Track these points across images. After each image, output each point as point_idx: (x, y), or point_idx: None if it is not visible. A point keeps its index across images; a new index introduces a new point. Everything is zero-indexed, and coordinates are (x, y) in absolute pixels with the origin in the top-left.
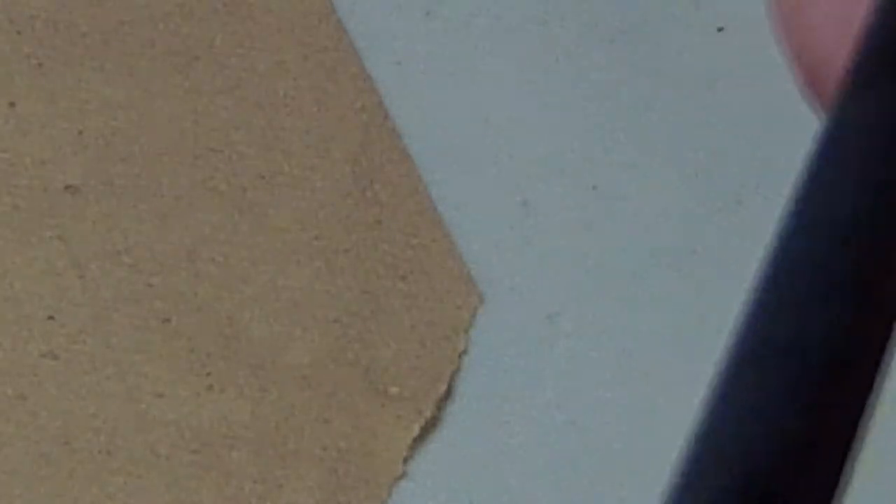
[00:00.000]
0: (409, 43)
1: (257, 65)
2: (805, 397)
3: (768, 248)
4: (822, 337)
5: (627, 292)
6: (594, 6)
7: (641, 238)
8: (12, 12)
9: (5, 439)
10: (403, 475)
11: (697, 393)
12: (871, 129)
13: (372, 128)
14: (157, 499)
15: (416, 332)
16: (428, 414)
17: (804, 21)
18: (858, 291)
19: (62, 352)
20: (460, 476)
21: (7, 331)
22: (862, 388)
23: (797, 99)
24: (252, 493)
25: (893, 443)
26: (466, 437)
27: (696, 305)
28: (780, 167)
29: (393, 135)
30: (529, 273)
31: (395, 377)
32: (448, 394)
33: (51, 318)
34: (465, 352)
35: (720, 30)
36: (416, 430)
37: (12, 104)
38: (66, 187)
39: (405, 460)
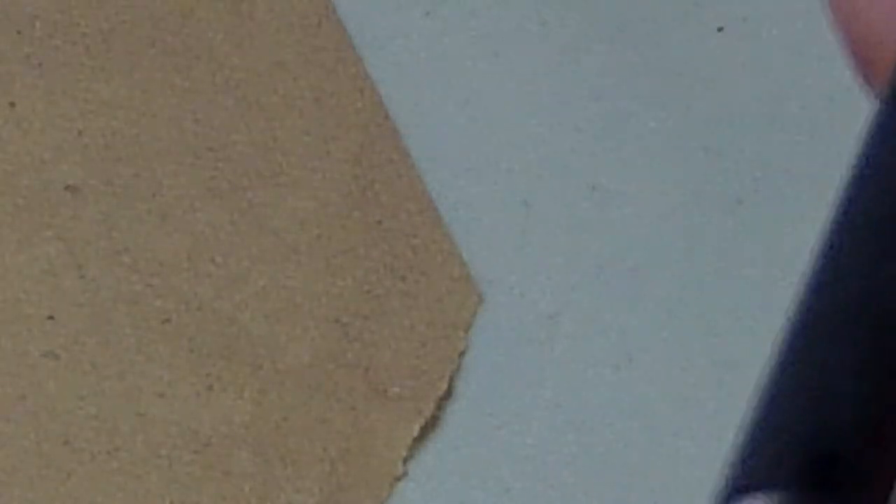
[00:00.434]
0: (409, 43)
1: (257, 65)
2: (876, 359)
3: (832, 212)
4: (893, 296)
5: (627, 292)
6: (594, 6)
7: (641, 238)
8: (12, 12)
9: (5, 439)
10: (403, 475)
11: (697, 393)
12: None
13: (372, 128)
14: (157, 499)
15: (416, 332)
16: (428, 414)
17: (857, 4)
18: None
19: (62, 352)
20: (460, 476)
21: (7, 331)
22: None
23: (797, 99)
24: (252, 493)
25: None
26: (466, 437)
27: (696, 305)
28: (780, 167)
29: (393, 135)
30: (529, 273)
31: (395, 377)
32: (448, 394)
33: (51, 318)
34: (465, 352)
35: (720, 30)
36: (416, 430)
37: (12, 104)
38: (66, 187)
39: (405, 460)
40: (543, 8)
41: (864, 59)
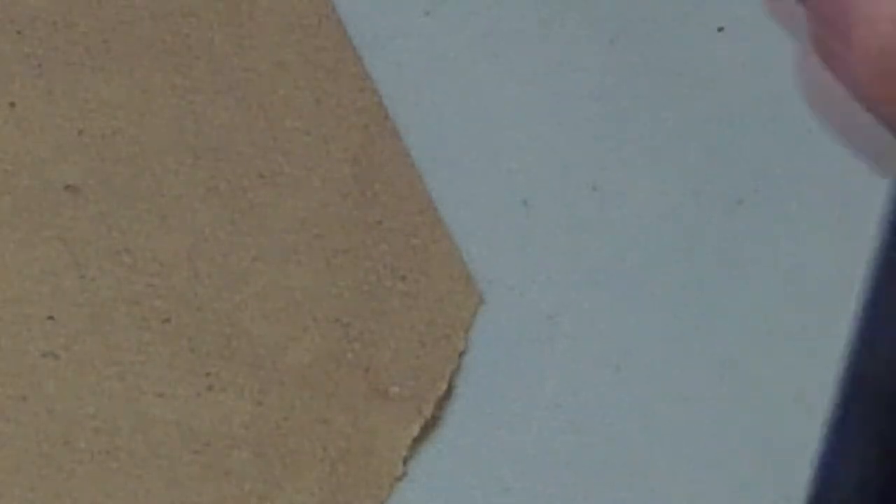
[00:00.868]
0: (409, 43)
1: (257, 65)
2: None
3: None
4: None
5: (627, 292)
6: (594, 6)
7: (641, 238)
8: (12, 12)
9: (5, 439)
10: (403, 475)
11: (697, 393)
12: None
13: (372, 128)
14: (157, 499)
15: (416, 332)
16: (428, 414)
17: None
18: None
19: (62, 352)
20: (460, 476)
21: (7, 331)
22: None
23: (797, 99)
24: (252, 493)
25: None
26: (466, 437)
27: (696, 305)
28: (780, 167)
29: (393, 135)
30: (529, 273)
31: (395, 377)
32: (448, 394)
33: (51, 318)
34: (465, 352)
35: (720, 30)
36: (416, 430)
37: (12, 104)
38: (66, 187)
39: (405, 460)
40: (543, 8)
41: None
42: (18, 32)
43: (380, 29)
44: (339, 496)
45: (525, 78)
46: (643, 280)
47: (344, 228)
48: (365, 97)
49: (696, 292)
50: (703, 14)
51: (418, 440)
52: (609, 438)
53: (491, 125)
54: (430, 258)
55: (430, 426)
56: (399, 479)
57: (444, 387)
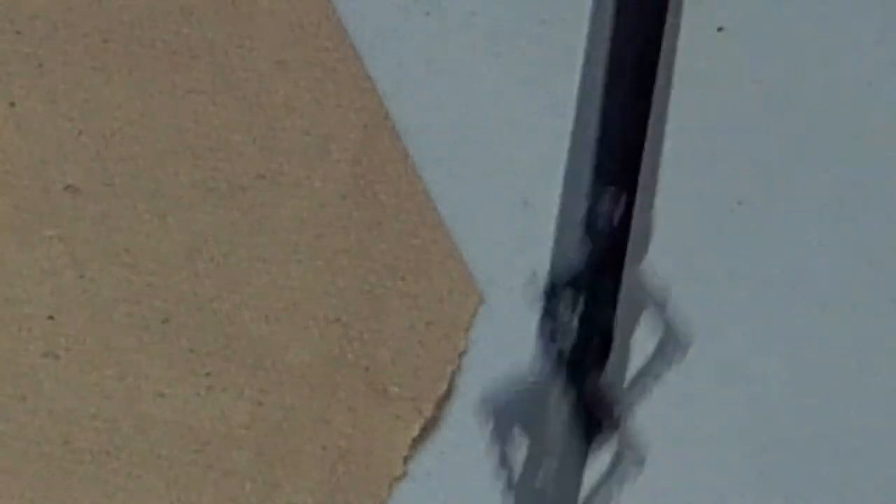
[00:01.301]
0: (409, 43)
1: (257, 65)
2: None
3: None
4: None
5: (627, 292)
6: (594, 6)
7: (641, 238)
8: (12, 12)
9: (5, 439)
10: (403, 475)
11: (697, 392)
12: None
13: (372, 128)
14: (157, 499)
15: (416, 332)
16: (428, 414)
17: None
18: None
19: (62, 352)
20: (460, 476)
21: (7, 331)
22: None
23: (797, 99)
24: (252, 493)
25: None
26: (466, 437)
27: (696, 305)
28: (780, 167)
29: (393, 135)
30: (529, 273)
31: (395, 377)
32: (448, 394)
33: (51, 318)
34: (465, 352)
35: (720, 30)
36: (416, 430)
37: (12, 104)
38: (66, 187)
39: (405, 460)
40: (543, 8)
41: None
42: (18, 32)
43: (380, 29)
44: (339, 496)
45: (525, 78)
46: (644, 279)
47: (344, 228)
48: (365, 97)
49: (697, 292)
50: (703, 14)
51: (418, 440)
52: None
53: (491, 125)
54: (430, 258)
55: (430, 426)
56: (399, 479)
57: (444, 387)
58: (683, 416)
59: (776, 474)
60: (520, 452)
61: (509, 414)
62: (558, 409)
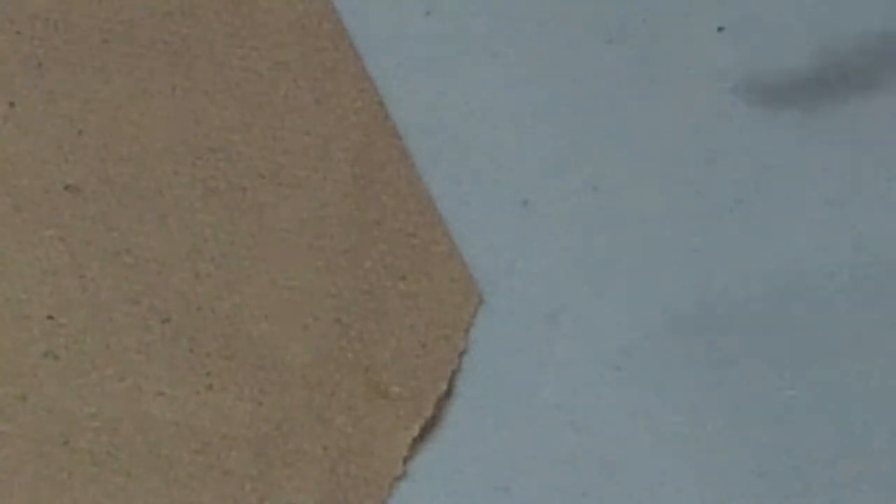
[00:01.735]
0: (409, 43)
1: (257, 65)
2: None
3: None
4: None
5: (627, 292)
6: (594, 6)
7: (641, 238)
8: (12, 12)
9: (5, 439)
10: (403, 475)
11: (697, 392)
12: None
13: (372, 128)
14: (157, 499)
15: (416, 332)
16: (428, 414)
17: None
18: None
19: (62, 352)
20: (460, 476)
21: (7, 331)
22: None
23: (797, 99)
24: (252, 493)
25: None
26: (466, 437)
27: (696, 305)
28: (780, 167)
29: (393, 135)
30: (529, 273)
31: (395, 377)
32: (448, 394)
33: (51, 318)
34: (465, 352)
35: (720, 30)
36: (416, 430)
37: (12, 104)
38: (66, 187)
39: (405, 460)
40: (543, 8)
41: None
42: (18, 32)
43: (380, 29)
44: (339, 496)
45: (525, 78)
46: (643, 280)
47: (344, 228)
48: (365, 97)
49: (696, 292)
50: (703, 14)
51: (418, 440)
52: (609, 438)
53: (491, 125)
54: (430, 258)
55: (430, 426)
56: (399, 479)
57: (444, 387)
58: (683, 415)
59: (776, 474)
60: None
61: None
62: None
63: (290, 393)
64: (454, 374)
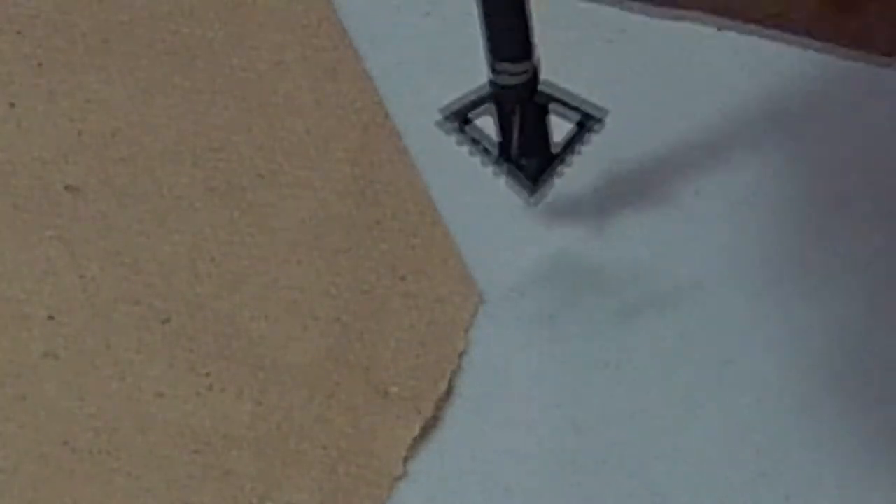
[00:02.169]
0: (409, 43)
1: (257, 65)
2: None
3: None
4: None
5: (627, 292)
6: (593, 7)
7: (642, 238)
8: (12, 12)
9: (5, 439)
10: (403, 475)
11: (696, 392)
12: None
13: (372, 128)
14: (157, 499)
15: (416, 332)
16: (428, 414)
17: None
18: None
19: (62, 352)
20: (460, 476)
21: (7, 331)
22: None
23: (798, 98)
24: (252, 492)
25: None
26: (466, 437)
27: (696, 305)
28: (780, 167)
29: (393, 135)
30: (529, 273)
31: (395, 377)
32: (448, 394)
33: (51, 318)
34: (465, 352)
35: (720, 30)
36: (416, 430)
37: (12, 104)
38: (66, 187)
39: (405, 460)
40: (543, 8)
41: None
42: (18, 32)
43: (380, 29)
44: (339, 496)
45: None
46: (643, 280)
47: (344, 228)
48: (365, 97)
49: (696, 292)
50: (702, 14)
51: (418, 440)
52: (609, 438)
53: (491, 125)
54: (430, 258)
55: (430, 426)
56: (399, 479)
57: (444, 387)
58: (683, 416)
59: (776, 474)
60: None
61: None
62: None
63: (290, 393)
64: (454, 374)
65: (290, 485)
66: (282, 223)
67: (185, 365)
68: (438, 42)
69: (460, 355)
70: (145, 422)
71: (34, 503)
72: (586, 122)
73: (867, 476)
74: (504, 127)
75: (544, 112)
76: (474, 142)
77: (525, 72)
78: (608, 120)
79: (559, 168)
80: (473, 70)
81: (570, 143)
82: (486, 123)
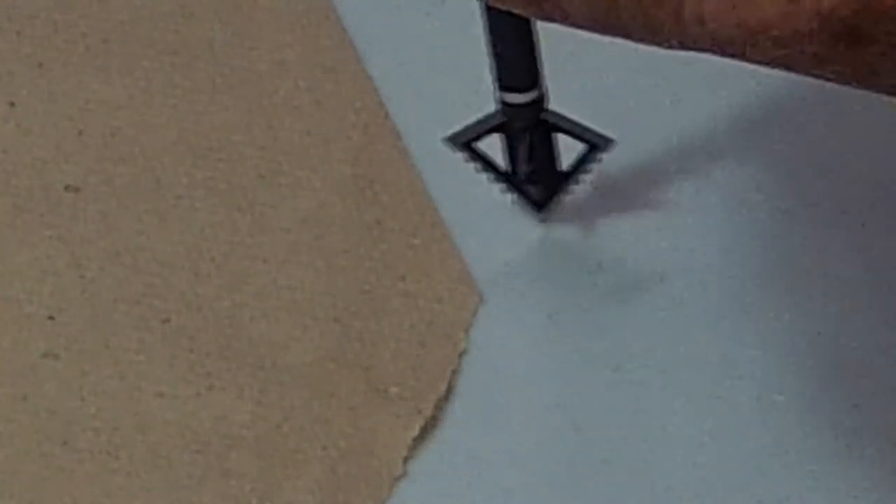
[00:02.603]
0: (409, 43)
1: (257, 65)
2: None
3: None
4: None
5: (627, 292)
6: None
7: (642, 238)
8: (12, 12)
9: (5, 439)
10: (403, 475)
11: (696, 393)
12: None
13: (372, 128)
14: (157, 499)
15: (416, 332)
16: (428, 414)
17: None
18: None
19: (62, 352)
20: (460, 476)
21: (7, 331)
22: None
23: (798, 98)
24: (252, 493)
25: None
26: (466, 437)
27: (696, 305)
28: (780, 167)
29: (393, 135)
30: (529, 273)
31: (395, 377)
32: (448, 394)
33: (51, 318)
34: (465, 352)
35: None
36: (416, 430)
37: (12, 104)
38: (66, 187)
39: (405, 460)
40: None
41: None
42: (18, 32)
43: (380, 29)
44: (339, 496)
45: None
46: (643, 280)
47: (344, 228)
48: (365, 97)
49: (696, 292)
50: None
51: (418, 440)
52: (609, 438)
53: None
54: (430, 258)
55: (430, 426)
56: (399, 479)
57: (444, 387)
58: (683, 416)
59: (776, 474)
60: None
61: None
62: None
63: (290, 393)
64: (454, 374)
65: (290, 485)
66: (282, 223)
67: (185, 365)
68: (439, 42)
69: (460, 355)
70: (145, 422)
71: (34, 503)
72: (591, 151)
73: (867, 476)
74: (512, 154)
75: (550, 138)
76: (484, 165)
77: (532, 101)
78: (608, 121)
79: (566, 190)
80: (473, 70)
81: (576, 169)
82: (491, 144)
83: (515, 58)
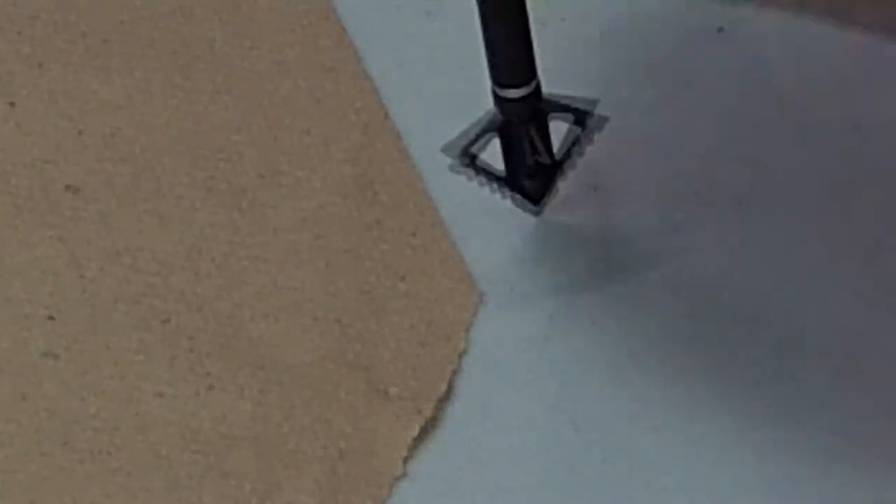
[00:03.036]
0: (409, 43)
1: (257, 65)
2: None
3: None
4: None
5: (627, 292)
6: (593, 7)
7: (641, 238)
8: (12, 12)
9: (5, 439)
10: (403, 475)
11: (696, 392)
12: None
13: (372, 128)
14: (157, 499)
15: (416, 332)
16: (428, 414)
17: None
18: None
19: (62, 352)
20: (460, 476)
21: (7, 331)
22: None
23: (797, 98)
24: (252, 493)
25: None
26: (466, 437)
27: (696, 305)
28: (780, 168)
29: (393, 135)
30: (529, 273)
31: (395, 377)
32: (448, 394)
33: (51, 318)
34: (465, 352)
35: (720, 30)
36: (416, 430)
37: (12, 104)
38: (66, 187)
39: (405, 460)
40: (543, 8)
41: None
42: (18, 33)
43: (380, 29)
44: (339, 496)
45: None
46: (643, 280)
47: (344, 228)
48: (365, 97)
49: (696, 292)
50: (703, 14)
51: (418, 440)
52: (609, 438)
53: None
54: (430, 258)
55: (430, 426)
56: (399, 478)
57: (444, 387)
58: (683, 415)
59: (776, 474)
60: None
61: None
62: None
63: (290, 393)
64: (454, 374)
65: (290, 485)
66: (282, 223)
67: (185, 365)
68: (438, 42)
69: (460, 355)
70: (145, 422)
71: (34, 503)
72: (582, 121)
73: (867, 476)
74: (508, 152)
75: (547, 126)
76: (483, 174)
77: (528, 95)
78: (609, 120)
79: (561, 177)
80: (473, 70)
81: (570, 151)
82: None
83: (512, 54)
